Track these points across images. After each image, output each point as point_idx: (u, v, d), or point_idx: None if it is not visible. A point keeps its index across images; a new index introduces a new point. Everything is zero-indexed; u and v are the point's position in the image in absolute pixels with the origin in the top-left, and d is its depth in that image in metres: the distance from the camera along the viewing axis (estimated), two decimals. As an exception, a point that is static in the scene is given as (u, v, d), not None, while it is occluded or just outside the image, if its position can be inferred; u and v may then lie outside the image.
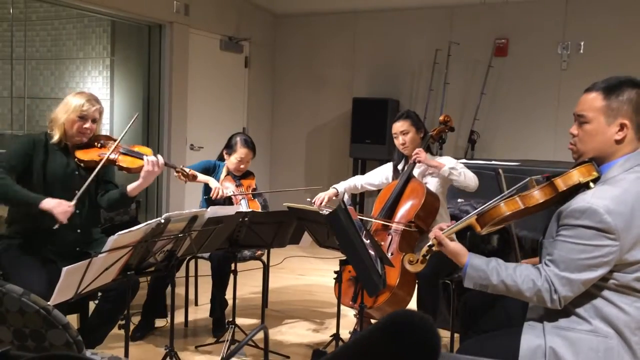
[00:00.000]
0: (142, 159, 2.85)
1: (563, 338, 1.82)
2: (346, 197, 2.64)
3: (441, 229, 2.04)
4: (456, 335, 3.25)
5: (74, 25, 6.63)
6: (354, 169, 6.41)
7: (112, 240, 2.14)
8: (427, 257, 2.06)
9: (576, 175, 1.85)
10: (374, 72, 6.56)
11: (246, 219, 3.00)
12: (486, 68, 5.82)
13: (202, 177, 3.56)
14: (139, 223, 2.34)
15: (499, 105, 5.92)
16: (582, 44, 5.62)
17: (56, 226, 2.63)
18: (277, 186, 7.13)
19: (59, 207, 2.63)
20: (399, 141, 3.40)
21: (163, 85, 5.64)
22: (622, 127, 1.82)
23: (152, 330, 3.55)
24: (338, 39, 6.75)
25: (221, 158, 3.80)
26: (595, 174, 1.84)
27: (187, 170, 3.06)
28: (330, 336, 3.24)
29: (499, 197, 2.01)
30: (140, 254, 2.38)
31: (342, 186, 3.64)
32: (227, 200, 3.61)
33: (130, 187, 2.87)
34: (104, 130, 6.15)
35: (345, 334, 3.26)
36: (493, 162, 4.14)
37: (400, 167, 3.49)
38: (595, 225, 1.73)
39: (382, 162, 5.92)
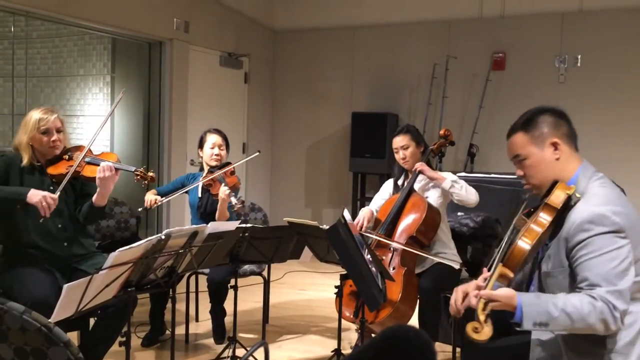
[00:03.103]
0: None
1: None
2: (346, 212, 2.64)
3: (479, 287, 1.89)
4: (458, 349, 3.24)
5: (74, 43, 6.68)
6: (354, 183, 6.42)
7: (112, 257, 2.15)
8: (489, 314, 1.83)
9: (562, 191, 1.89)
10: (372, 86, 6.60)
11: (246, 234, 3.00)
12: (484, 82, 5.85)
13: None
14: (140, 239, 2.34)
15: (497, 119, 5.94)
16: (579, 57, 5.66)
17: (41, 220, 2.68)
18: (278, 200, 7.14)
19: (43, 200, 2.65)
20: (399, 156, 3.41)
21: (163, 101, 5.67)
22: (554, 146, 1.95)
23: (160, 336, 3.63)
24: (337, 54, 6.80)
25: (202, 168, 3.82)
26: (573, 187, 1.90)
27: (147, 173, 2.90)
28: (332, 351, 3.22)
29: (508, 236, 1.96)
30: (141, 270, 2.38)
31: (372, 208, 3.50)
32: (208, 196, 3.62)
33: (94, 197, 2.85)
34: (104, 146, 6.17)
35: (346, 349, 3.25)
36: (492, 176, 4.15)
37: (400, 182, 3.49)
38: (609, 229, 1.76)
39: (381, 176, 6.00)
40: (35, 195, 2.66)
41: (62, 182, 2.75)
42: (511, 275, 1.87)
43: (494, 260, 1.96)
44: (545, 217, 1.89)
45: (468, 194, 3.17)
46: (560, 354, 1.86)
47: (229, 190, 3.43)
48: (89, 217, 2.92)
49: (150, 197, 3.57)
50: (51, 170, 2.85)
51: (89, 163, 2.85)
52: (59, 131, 2.85)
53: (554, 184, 1.92)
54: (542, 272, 1.96)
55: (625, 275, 1.75)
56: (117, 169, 2.81)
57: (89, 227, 3.06)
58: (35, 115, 2.82)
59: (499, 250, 1.97)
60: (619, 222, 1.76)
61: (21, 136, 2.83)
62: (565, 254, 1.84)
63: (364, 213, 3.40)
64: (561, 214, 1.87)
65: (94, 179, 2.81)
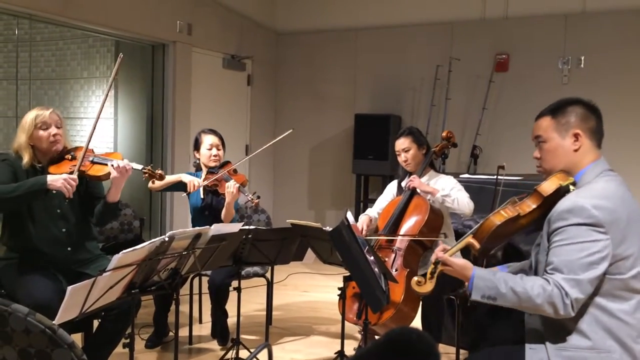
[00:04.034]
0: (107, 164, 2.81)
1: (566, 359, 1.82)
2: (349, 213, 2.65)
3: (444, 250, 2.06)
4: (462, 351, 3.23)
5: (78, 46, 6.70)
6: (357, 184, 6.42)
7: (116, 259, 2.15)
8: (435, 275, 2.03)
9: (555, 180, 1.96)
10: (375, 88, 6.60)
11: (250, 236, 3.01)
12: (487, 83, 5.84)
13: (170, 177, 3.52)
14: (143, 241, 2.35)
15: (500, 120, 5.94)
16: (582, 58, 5.65)
17: (66, 201, 2.75)
18: (281, 202, 7.15)
19: (66, 184, 2.64)
20: (401, 158, 3.42)
21: (166, 103, 5.68)
22: (576, 137, 1.98)
23: (164, 338, 3.64)
24: (339, 55, 6.80)
25: (198, 169, 3.80)
26: (571, 179, 1.96)
27: (155, 170, 2.93)
28: (335, 353, 3.22)
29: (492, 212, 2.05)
30: (145, 272, 2.39)
31: (371, 213, 3.54)
32: (213, 193, 3.60)
33: (107, 195, 2.86)
34: (107, 148, 6.19)
35: (350, 351, 3.25)
36: (496, 177, 4.14)
37: (404, 183, 3.50)
38: (585, 221, 1.79)
39: (384, 177, 5.99)
40: (56, 180, 2.64)
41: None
42: (477, 245, 1.99)
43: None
44: (528, 203, 1.98)
45: (460, 207, 3.18)
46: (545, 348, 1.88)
47: (238, 185, 3.42)
48: (104, 216, 2.93)
49: (194, 181, 3.51)
50: (53, 169, 2.81)
51: (93, 162, 2.85)
52: (58, 127, 2.83)
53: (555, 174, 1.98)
54: (536, 259, 2.02)
55: (592, 267, 1.78)
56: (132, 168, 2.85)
57: (94, 229, 3.05)
58: (31, 114, 2.81)
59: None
60: (597, 216, 1.79)
61: (20, 136, 2.80)
62: (547, 239, 1.90)
63: (361, 220, 3.45)
64: (553, 203, 1.91)
65: (99, 177, 2.82)
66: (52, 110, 2.83)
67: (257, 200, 3.37)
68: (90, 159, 2.86)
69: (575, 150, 1.97)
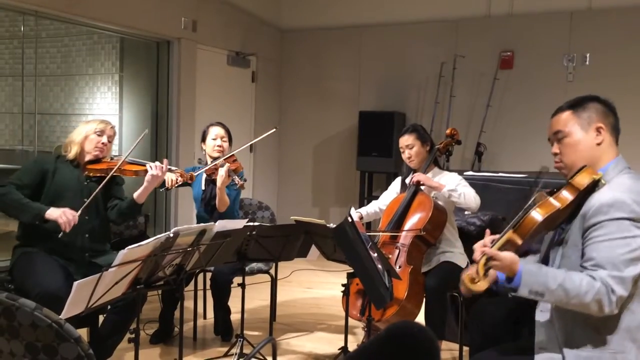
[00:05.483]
0: (145, 165, 3.02)
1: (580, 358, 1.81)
2: (353, 210, 2.66)
3: (485, 245, 1.94)
4: (465, 348, 3.24)
5: (83, 42, 6.72)
6: (361, 182, 6.42)
7: (122, 255, 2.17)
8: (488, 270, 1.88)
9: (587, 175, 1.90)
10: (380, 85, 6.60)
11: (254, 232, 3.02)
12: (492, 80, 5.83)
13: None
14: (148, 237, 2.36)
15: (505, 118, 5.94)
16: (587, 55, 5.64)
17: (60, 234, 2.81)
18: (285, 199, 7.16)
19: (63, 215, 2.80)
20: (405, 155, 3.43)
21: (171, 100, 5.70)
22: (598, 130, 1.95)
23: (169, 335, 3.67)
24: (344, 53, 6.80)
25: (201, 164, 3.84)
26: (600, 173, 1.91)
27: (186, 173, 3.29)
28: (339, 349, 3.24)
29: (525, 207, 1.95)
30: (150, 268, 2.41)
31: (365, 210, 3.60)
32: (213, 182, 3.61)
33: (136, 194, 3.02)
34: (113, 145, 6.20)
35: (353, 347, 3.26)
36: (500, 175, 4.15)
37: (408, 180, 3.50)
38: (627, 215, 1.76)
39: (388, 174, 6.01)
40: (54, 211, 2.81)
41: (105, 177, 2.94)
42: (519, 242, 1.90)
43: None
44: (566, 195, 1.90)
45: (467, 201, 3.18)
46: (561, 355, 1.86)
47: (227, 166, 3.43)
48: (126, 214, 3.09)
49: (171, 175, 3.47)
50: (91, 167, 3.04)
51: (130, 163, 3.07)
52: (109, 140, 3.11)
53: (582, 168, 1.93)
54: (559, 254, 1.97)
55: (634, 264, 1.75)
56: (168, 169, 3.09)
57: (110, 231, 3.21)
58: (94, 122, 3.13)
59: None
60: (638, 211, 1.76)
61: (75, 136, 3.06)
62: (581, 234, 1.85)
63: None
64: (583, 197, 1.87)
65: (136, 172, 3.01)
66: (112, 126, 3.17)
67: (242, 182, 3.42)
68: (127, 161, 3.08)
69: (598, 144, 1.94)
